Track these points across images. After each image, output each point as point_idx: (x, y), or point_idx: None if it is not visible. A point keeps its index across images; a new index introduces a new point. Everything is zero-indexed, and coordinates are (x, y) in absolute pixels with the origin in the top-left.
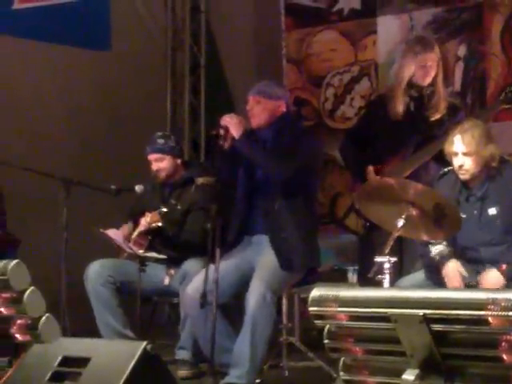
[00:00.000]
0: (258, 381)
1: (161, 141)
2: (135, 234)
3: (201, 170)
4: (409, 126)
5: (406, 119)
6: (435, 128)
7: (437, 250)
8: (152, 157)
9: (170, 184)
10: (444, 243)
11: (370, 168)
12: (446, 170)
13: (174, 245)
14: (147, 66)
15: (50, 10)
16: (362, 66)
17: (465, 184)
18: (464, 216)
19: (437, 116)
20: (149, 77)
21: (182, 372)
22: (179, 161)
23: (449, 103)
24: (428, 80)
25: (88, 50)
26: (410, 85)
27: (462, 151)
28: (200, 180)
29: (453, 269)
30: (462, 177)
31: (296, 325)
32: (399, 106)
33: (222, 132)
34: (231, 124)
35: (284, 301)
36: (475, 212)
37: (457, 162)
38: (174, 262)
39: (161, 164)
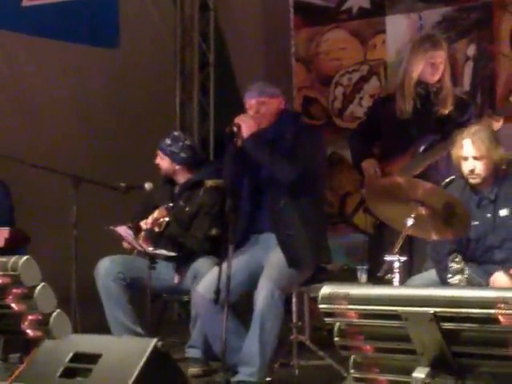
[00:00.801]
0: (268, 379)
1: (168, 141)
2: (143, 230)
3: (211, 171)
4: (416, 123)
5: (414, 117)
6: (444, 124)
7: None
8: (157, 152)
9: (180, 185)
10: (465, 271)
11: (367, 163)
12: (450, 178)
13: (180, 250)
14: (156, 64)
15: (58, 8)
16: (371, 65)
17: (474, 189)
18: (477, 223)
19: (444, 111)
20: (158, 75)
21: (193, 370)
22: (178, 167)
23: (457, 98)
24: (436, 77)
25: (97, 48)
26: (418, 82)
27: (473, 155)
28: (209, 183)
29: None
30: (472, 181)
31: (306, 324)
32: (408, 104)
33: (235, 130)
34: (244, 122)
35: (294, 299)
36: (488, 215)
37: (467, 166)
38: (183, 260)
39: (161, 162)
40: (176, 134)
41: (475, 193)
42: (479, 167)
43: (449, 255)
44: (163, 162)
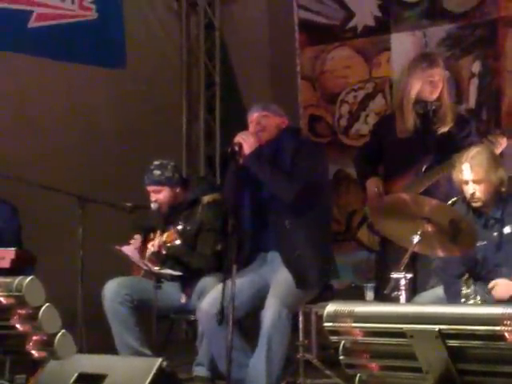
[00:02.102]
0: None
1: (157, 172)
2: (150, 252)
3: (205, 187)
4: (417, 142)
5: (415, 136)
6: (445, 142)
7: None
8: (150, 188)
9: (175, 207)
10: (477, 296)
11: (370, 182)
12: (454, 199)
13: (187, 271)
14: (162, 84)
15: (65, 29)
16: (377, 82)
17: (478, 210)
18: (484, 242)
19: (444, 129)
20: (164, 94)
21: None
22: (178, 189)
23: (456, 115)
24: (435, 95)
25: (103, 69)
26: (417, 101)
27: (472, 179)
28: (206, 199)
29: None
30: (474, 205)
31: (313, 342)
32: (409, 123)
33: (236, 149)
34: (245, 141)
35: (301, 318)
36: (495, 234)
37: (468, 190)
38: (189, 280)
39: (159, 195)
40: (156, 162)
41: (479, 215)
42: (479, 190)
43: (459, 278)
44: (163, 195)
